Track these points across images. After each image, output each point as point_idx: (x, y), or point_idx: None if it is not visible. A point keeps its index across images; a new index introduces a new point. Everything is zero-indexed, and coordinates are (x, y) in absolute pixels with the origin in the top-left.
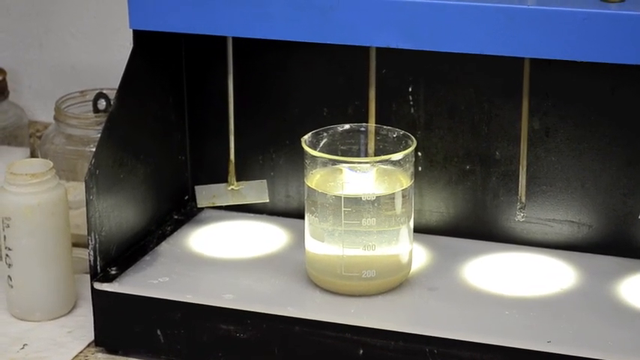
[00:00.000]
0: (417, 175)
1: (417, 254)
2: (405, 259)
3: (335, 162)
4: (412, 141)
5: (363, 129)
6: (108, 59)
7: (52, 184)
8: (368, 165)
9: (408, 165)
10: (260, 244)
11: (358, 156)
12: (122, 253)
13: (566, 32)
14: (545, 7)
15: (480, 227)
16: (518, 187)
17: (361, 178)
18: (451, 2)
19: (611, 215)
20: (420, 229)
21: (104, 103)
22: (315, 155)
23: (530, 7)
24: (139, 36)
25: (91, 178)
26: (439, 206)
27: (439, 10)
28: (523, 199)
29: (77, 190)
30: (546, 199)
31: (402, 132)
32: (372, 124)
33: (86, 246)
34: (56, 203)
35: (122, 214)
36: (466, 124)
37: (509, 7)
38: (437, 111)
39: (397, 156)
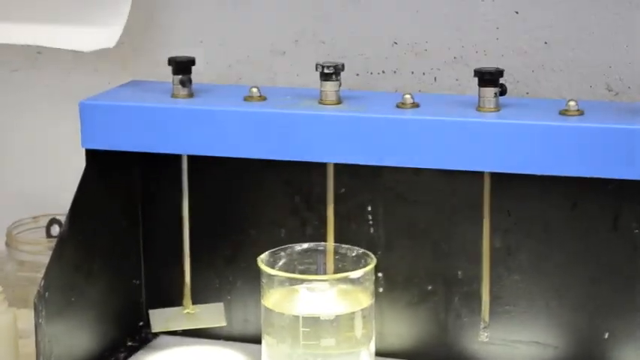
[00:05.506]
0: (377, 297)
1: None
2: None
3: (293, 281)
4: (371, 259)
5: (321, 248)
6: (61, 183)
7: (0, 309)
8: (326, 284)
9: (367, 283)
10: None
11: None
12: None
13: (526, 146)
14: (504, 121)
15: (443, 349)
16: (481, 306)
17: (320, 297)
18: (409, 117)
19: (577, 335)
20: (382, 353)
21: (57, 229)
22: (272, 274)
23: (489, 120)
24: (92, 155)
25: (40, 301)
26: (400, 328)
27: (397, 125)
28: (487, 318)
29: (28, 318)
30: (510, 320)
31: (361, 250)
32: (330, 243)
33: None
34: (4, 329)
35: (73, 339)
36: (427, 243)
37: (467, 120)
38: (397, 230)
39: (356, 273)
